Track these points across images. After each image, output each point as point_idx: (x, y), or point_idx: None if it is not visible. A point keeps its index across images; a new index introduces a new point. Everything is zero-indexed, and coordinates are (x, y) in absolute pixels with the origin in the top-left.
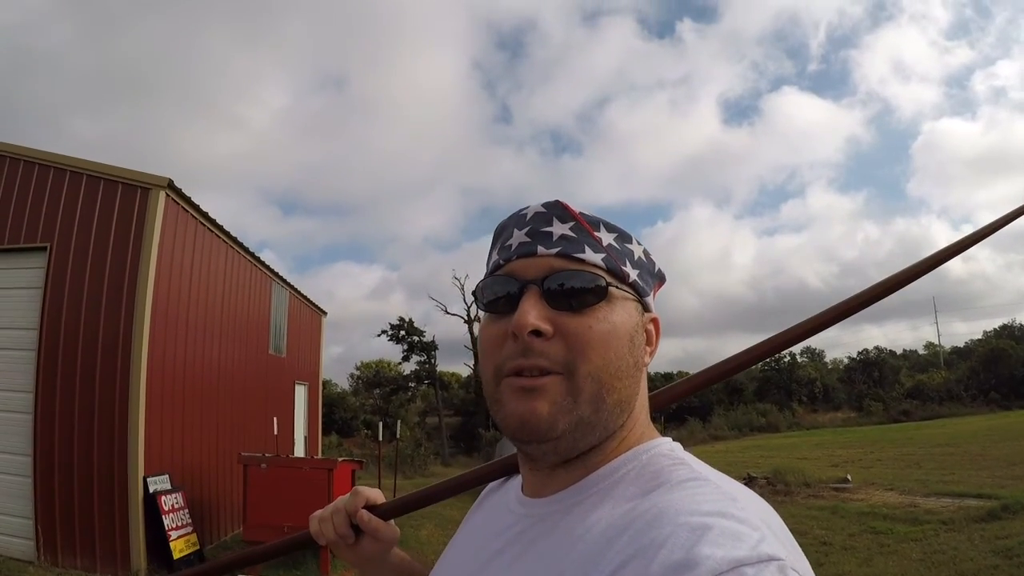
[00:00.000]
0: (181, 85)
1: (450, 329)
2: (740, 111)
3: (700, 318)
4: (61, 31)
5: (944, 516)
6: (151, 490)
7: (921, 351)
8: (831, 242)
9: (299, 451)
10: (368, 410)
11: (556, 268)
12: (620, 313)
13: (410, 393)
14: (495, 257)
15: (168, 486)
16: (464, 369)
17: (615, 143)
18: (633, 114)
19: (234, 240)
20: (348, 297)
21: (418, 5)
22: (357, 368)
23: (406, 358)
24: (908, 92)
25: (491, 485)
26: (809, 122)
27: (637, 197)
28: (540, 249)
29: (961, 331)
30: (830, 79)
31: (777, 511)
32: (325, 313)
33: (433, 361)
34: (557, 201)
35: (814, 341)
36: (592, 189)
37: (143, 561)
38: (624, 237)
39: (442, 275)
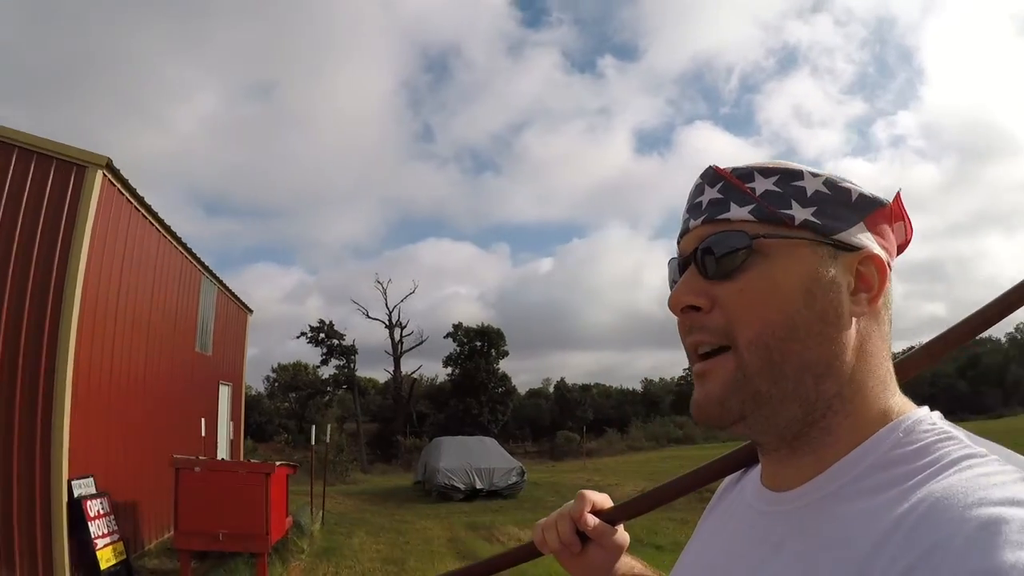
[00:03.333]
0: (111, 84)
1: (370, 335)
2: (653, 142)
3: (613, 332)
4: None
5: None
6: (76, 495)
7: None
8: None
9: (222, 454)
10: (284, 414)
11: (703, 236)
12: (783, 264)
13: (327, 398)
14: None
15: (93, 490)
16: (383, 375)
17: (534, 165)
18: (552, 139)
19: (167, 229)
20: (266, 298)
21: (351, 21)
22: (274, 370)
23: (325, 361)
24: (811, 135)
25: (727, 479)
26: (720, 155)
27: (554, 216)
28: (692, 223)
29: None
30: (739, 119)
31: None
32: (251, 311)
33: (352, 366)
34: (708, 167)
35: None
36: (511, 206)
37: (68, 572)
38: (790, 175)
39: (360, 282)
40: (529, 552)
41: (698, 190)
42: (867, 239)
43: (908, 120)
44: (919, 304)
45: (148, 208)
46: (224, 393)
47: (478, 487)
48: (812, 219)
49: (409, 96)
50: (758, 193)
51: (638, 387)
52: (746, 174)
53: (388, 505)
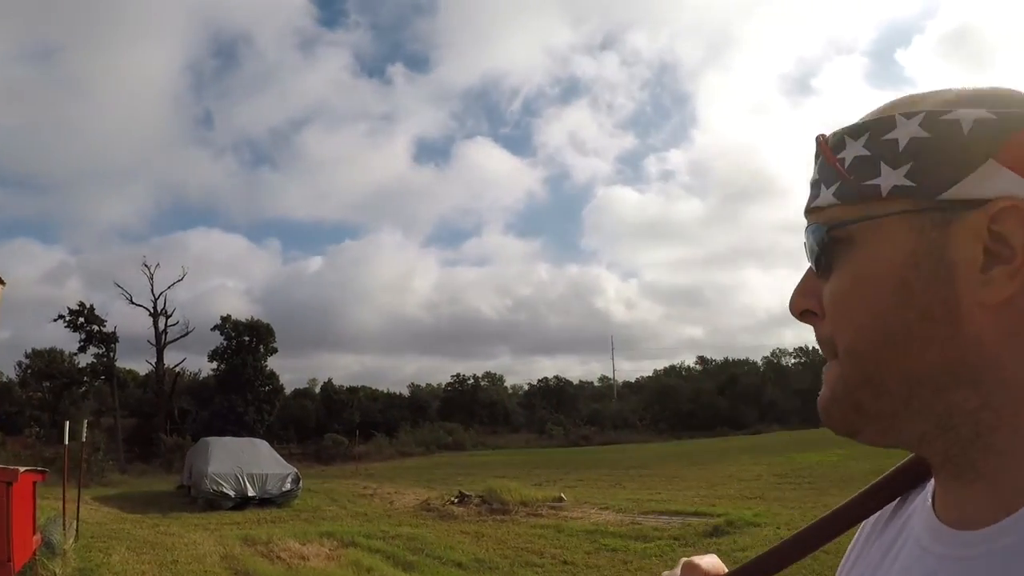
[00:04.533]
0: None
1: (132, 323)
2: (433, 152)
3: (380, 336)
4: None
5: (672, 532)
6: None
7: (596, 383)
8: (508, 279)
9: None
10: (36, 405)
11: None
12: (867, 253)
13: (84, 388)
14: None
15: None
16: (144, 366)
17: (311, 163)
18: (332, 139)
19: None
20: (21, 277)
21: None
22: (27, 356)
23: (83, 348)
24: (585, 162)
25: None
26: (496, 172)
27: (328, 216)
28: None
29: (626, 368)
30: (517, 140)
31: (498, 531)
32: (3, 283)
33: (112, 355)
34: (816, 137)
35: (493, 366)
36: (285, 202)
37: None
38: (880, 127)
39: (126, 266)
40: None
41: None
42: (1001, 180)
43: (678, 157)
44: (678, 327)
45: None
46: None
47: (250, 494)
48: (905, 182)
49: (194, 79)
50: (847, 164)
51: (405, 391)
52: (838, 141)
53: (151, 514)
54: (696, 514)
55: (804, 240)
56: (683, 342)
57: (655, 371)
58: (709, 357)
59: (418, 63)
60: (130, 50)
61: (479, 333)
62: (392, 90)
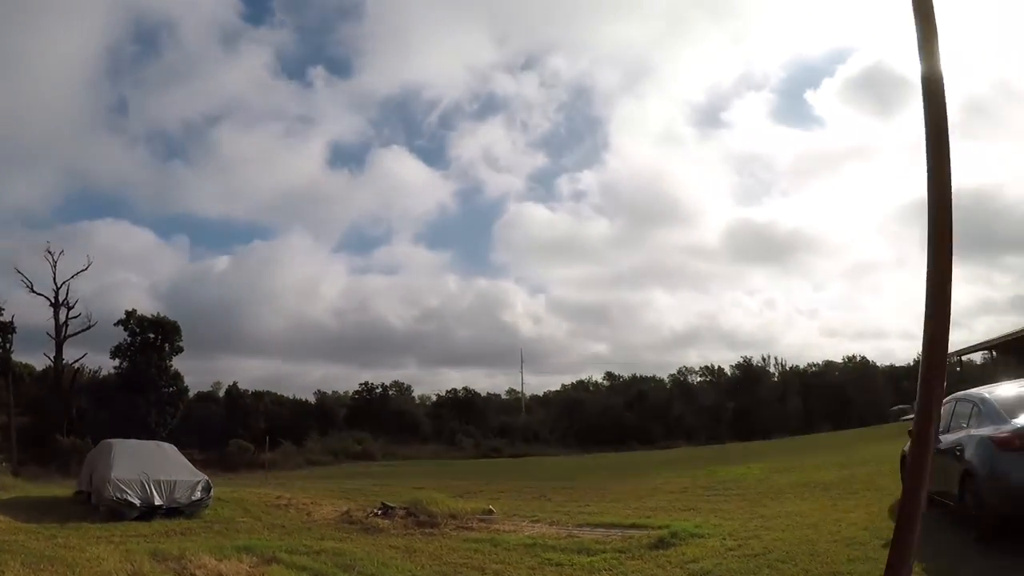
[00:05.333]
0: None
1: (31, 314)
2: (347, 158)
3: (286, 341)
4: None
5: (615, 545)
6: None
7: (504, 396)
8: (416, 289)
9: None
10: None
11: None
12: None
13: None
14: None
15: None
16: (42, 360)
17: (224, 160)
18: (246, 138)
19: None
20: None
21: None
22: None
23: None
24: (497, 177)
25: None
26: (410, 182)
27: (238, 215)
28: None
29: (533, 382)
30: (432, 151)
31: (430, 545)
32: None
33: (8, 346)
34: None
35: (400, 376)
36: (196, 199)
37: None
38: None
39: (27, 253)
40: None
41: None
42: None
43: (590, 178)
44: (584, 343)
45: None
46: None
47: (157, 503)
48: None
49: (111, 63)
50: None
51: (311, 398)
52: None
53: (47, 523)
54: (634, 526)
55: None
56: (589, 358)
57: (563, 385)
58: (617, 373)
59: (340, 67)
60: (48, 25)
61: (386, 342)
62: (312, 93)
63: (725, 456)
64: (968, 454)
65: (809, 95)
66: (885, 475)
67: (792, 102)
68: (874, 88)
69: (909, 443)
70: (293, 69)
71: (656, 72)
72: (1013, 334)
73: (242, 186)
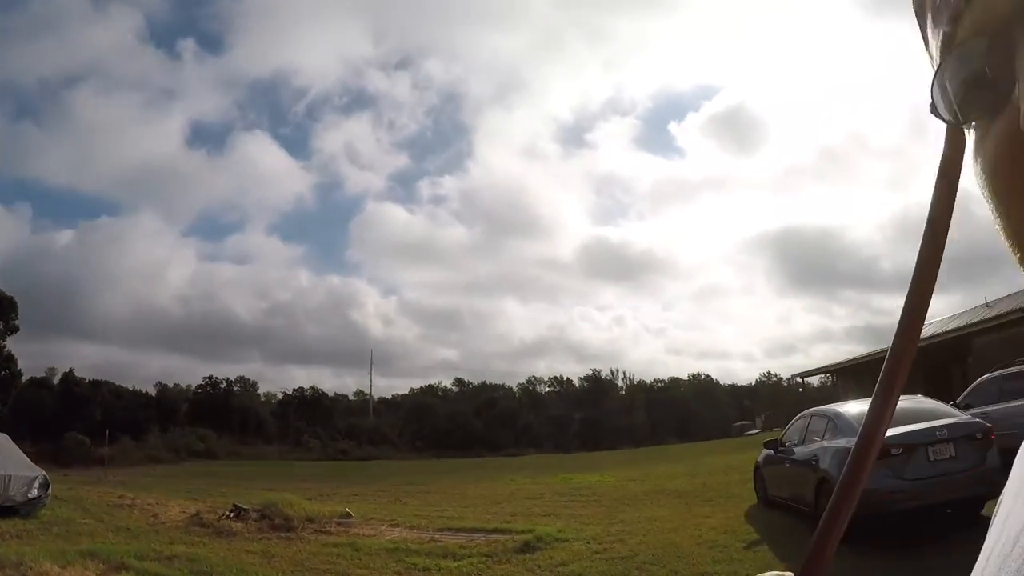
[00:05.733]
0: None
1: None
2: (207, 138)
3: (126, 327)
4: None
5: (480, 549)
6: None
7: (352, 397)
8: (267, 282)
9: None
10: None
11: None
12: None
13: None
14: (934, 33)
15: None
16: None
17: (79, 125)
18: (105, 104)
19: None
20: None
21: None
22: None
23: None
24: (358, 174)
25: None
26: (269, 170)
27: (87, 187)
28: None
29: (381, 384)
30: (295, 141)
31: (289, 550)
32: None
33: None
34: None
35: (245, 371)
36: (44, 165)
37: None
38: None
39: None
40: None
41: None
42: None
43: (451, 184)
44: (434, 348)
45: None
46: None
47: None
48: None
49: None
50: None
51: (152, 390)
52: None
53: None
54: (497, 531)
55: None
56: (439, 363)
57: (412, 389)
58: (466, 380)
59: (212, 43)
60: None
61: (232, 335)
62: (179, 65)
63: (577, 464)
64: (824, 464)
65: (673, 126)
66: (736, 484)
67: (656, 131)
68: (735, 127)
69: (763, 454)
70: (163, 38)
71: (527, 87)
72: (852, 360)
73: (94, 156)
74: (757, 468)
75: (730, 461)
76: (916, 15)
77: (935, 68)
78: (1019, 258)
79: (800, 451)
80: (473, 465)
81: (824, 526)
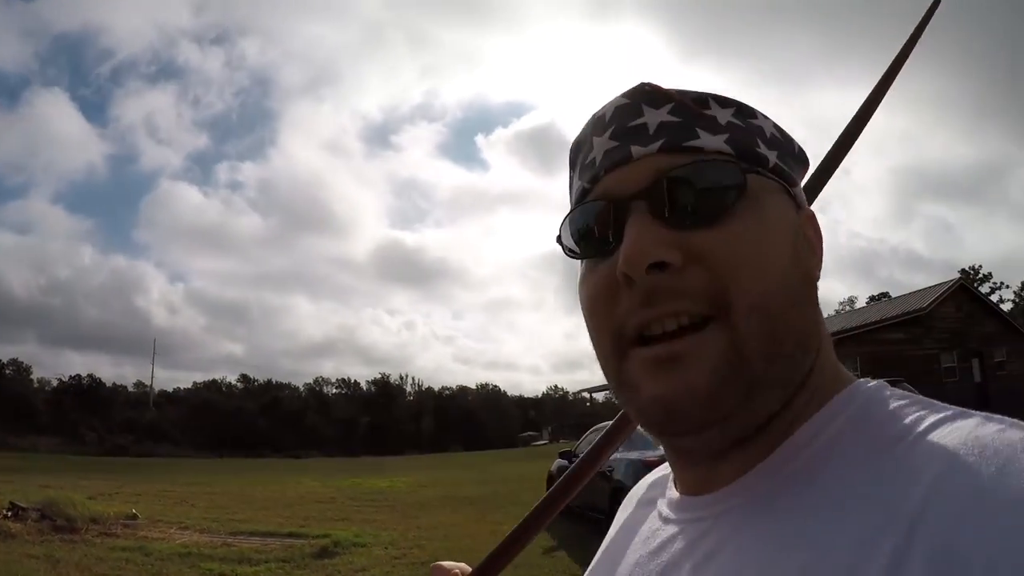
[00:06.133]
0: None
1: None
2: (4, 90)
3: None
4: None
5: (277, 554)
6: None
7: (131, 388)
8: (48, 256)
9: None
10: None
11: (664, 169)
12: (773, 210)
13: None
14: (577, 183)
15: None
16: None
17: None
18: None
19: None
20: None
21: None
22: None
23: None
24: (154, 147)
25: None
26: (63, 133)
27: None
28: (635, 150)
29: (162, 376)
30: (93, 104)
31: (74, 554)
32: None
33: None
34: (642, 83)
35: (17, 353)
36: None
37: None
38: (745, 110)
39: None
40: None
41: (630, 112)
42: (802, 197)
43: (251, 171)
44: (219, 341)
45: None
46: None
47: None
48: (780, 163)
49: None
50: (723, 122)
51: None
52: (701, 99)
53: None
54: (292, 535)
55: (653, 180)
56: (223, 357)
57: (195, 383)
58: (252, 376)
59: None
60: None
61: (5, 311)
62: None
63: (365, 468)
64: (619, 475)
65: (480, 138)
66: (527, 491)
67: (462, 141)
68: (540, 146)
69: (556, 464)
70: None
71: (341, 81)
72: None
73: None
74: (551, 477)
75: (520, 470)
76: (570, 162)
77: (569, 210)
78: (612, 385)
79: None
80: (258, 466)
81: (517, 532)
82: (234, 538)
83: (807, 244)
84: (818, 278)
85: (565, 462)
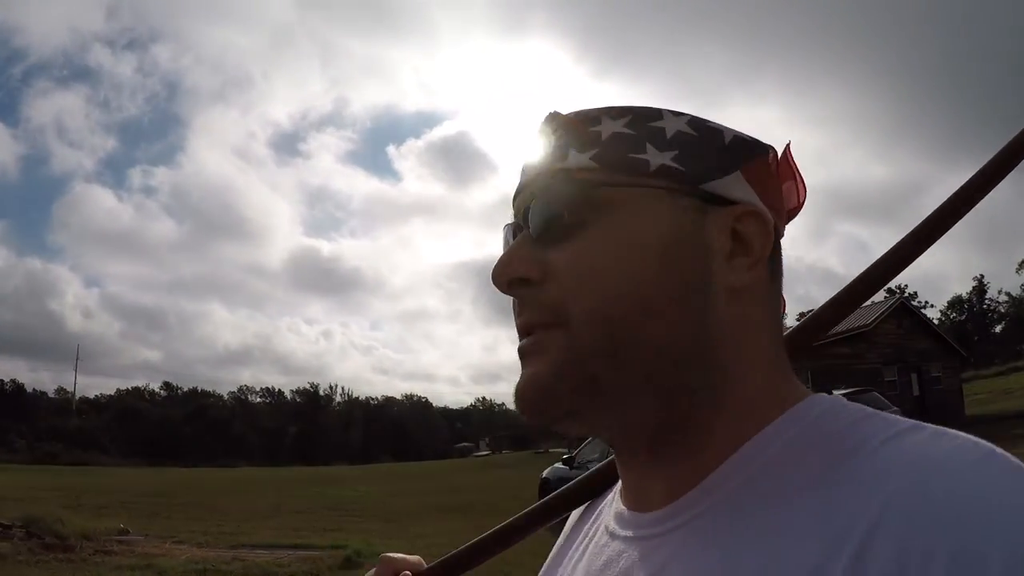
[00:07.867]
0: None
1: None
2: None
3: None
4: None
5: (301, 568)
6: None
7: (52, 395)
8: None
9: None
10: None
11: (535, 193)
12: (635, 220)
13: None
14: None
15: None
16: None
17: None
18: None
19: None
20: None
21: None
22: None
23: None
24: (68, 152)
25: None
26: None
27: None
28: (523, 177)
29: (82, 382)
30: (5, 105)
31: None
32: None
33: None
34: (549, 112)
35: None
36: None
37: None
38: (646, 115)
39: None
40: None
41: (539, 137)
42: (746, 192)
43: (164, 176)
44: (137, 347)
45: None
46: None
47: None
48: (672, 164)
49: None
50: (604, 137)
51: None
52: (591, 117)
53: None
54: (297, 547)
55: (523, 207)
56: (141, 364)
57: (118, 390)
58: (176, 384)
59: None
60: None
61: None
62: None
63: (314, 479)
64: None
65: (391, 148)
66: (509, 500)
67: (373, 150)
68: (453, 157)
69: (550, 470)
70: None
71: (251, 88)
72: None
73: None
74: (547, 484)
75: (478, 480)
76: (514, 195)
77: (507, 223)
78: None
79: (578, 473)
80: (195, 476)
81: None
82: (237, 551)
83: (704, 249)
84: (746, 283)
85: (566, 468)
